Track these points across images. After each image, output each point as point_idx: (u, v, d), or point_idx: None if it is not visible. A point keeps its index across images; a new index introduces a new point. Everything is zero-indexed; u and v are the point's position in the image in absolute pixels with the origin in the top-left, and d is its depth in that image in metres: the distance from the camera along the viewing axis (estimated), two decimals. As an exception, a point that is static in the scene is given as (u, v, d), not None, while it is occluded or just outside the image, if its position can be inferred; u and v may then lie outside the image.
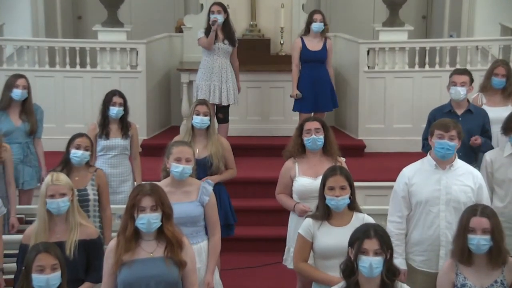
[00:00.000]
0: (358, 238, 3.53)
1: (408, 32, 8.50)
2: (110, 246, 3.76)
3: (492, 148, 5.72)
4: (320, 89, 7.38)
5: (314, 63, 7.36)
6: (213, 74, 7.36)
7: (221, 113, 7.49)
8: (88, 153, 5.09)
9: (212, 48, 7.30)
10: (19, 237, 4.41)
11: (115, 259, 3.68)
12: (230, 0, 8.46)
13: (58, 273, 3.59)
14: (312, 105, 7.40)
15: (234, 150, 5.69)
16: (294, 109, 7.54)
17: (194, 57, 8.19)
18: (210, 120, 5.43)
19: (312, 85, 7.37)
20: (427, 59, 8.49)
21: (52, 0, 9.80)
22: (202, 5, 8.94)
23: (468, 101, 5.94)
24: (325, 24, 7.35)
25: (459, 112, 5.86)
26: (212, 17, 7.23)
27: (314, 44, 7.34)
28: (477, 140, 5.75)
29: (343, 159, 5.00)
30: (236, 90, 7.48)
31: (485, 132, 5.87)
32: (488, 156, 5.18)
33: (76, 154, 5.03)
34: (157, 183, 4.00)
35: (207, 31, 7.29)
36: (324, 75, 7.43)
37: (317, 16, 7.31)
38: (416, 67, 8.35)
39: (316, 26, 7.28)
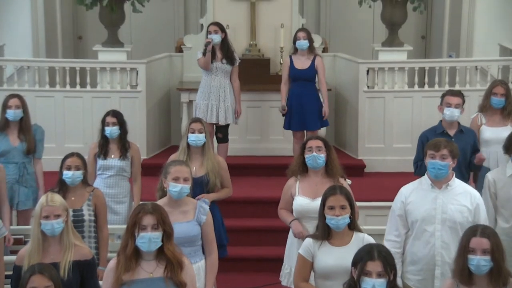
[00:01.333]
0: (361, 259, 3.51)
1: (408, 52, 8.52)
2: (110, 265, 3.74)
3: (484, 167, 5.73)
4: (307, 107, 7.41)
5: (301, 81, 7.40)
6: (211, 93, 7.37)
7: (221, 132, 7.49)
8: (79, 172, 5.06)
9: (210, 67, 7.31)
10: (13, 258, 4.37)
11: (115, 278, 3.65)
12: (230, 19, 8.53)
13: None
14: (299, 123, 7.44)
15: (233, 169, 5.69)
16: (284, 127, 7.60)
17: (194, 77, 8.19)
18: (205, 137, 5.42)
19: (299, 103, 7.41)
20: (426, 79, 8.49)
21: (53, 20, 9.84)
22: (202, 25, 8.95)
23: (458, 121, 5.94)
24: (310, 42, 7.37)
25: (451, 132, 5.86)
26: (208, 37, 7.25)
27: (301, 62, 7.39)
28: (481, 156, 5.74)
29: (349, 181, 4.99)
30: (233, 110, 7.46)
31: (476, 151, 5.88)
32: (490, 176, 5.14)
33: (67, 175, 5.03)
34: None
35: (205, 52, 7.31)
36: (311, 93, 7.46)
37: (300, 34, 7.37)
38: (416, 87, 8.35)
39: (300, 44, 7.32)
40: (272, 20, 8.74)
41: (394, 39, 8.53)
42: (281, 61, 8.58)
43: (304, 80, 7.39)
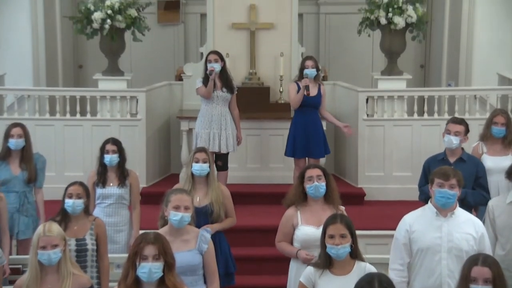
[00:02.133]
0: None
1: (407, 81, 8.56)
2: None
3: (484, 197, 5.69)
4: (312, 135, 7.43)
5: (307, 108, 7.42)
6: (212, 122, 7.39)
7: (221, 160, 7.49)
8: (81, 201, 5.04)
9: (211, 96, 7.33)
10: (10, 288, 4.35)
11: None
12: (230, 48, 8.58)
13: None
14: (304, 151, 7.43)
15: (233, 197, 5.66)
16: (287, 154, 7.59)
17: (194, 105, 8.21)
18: (209, 167, 5.41)
19: (304, 130, 7.43)
20: (425, 108, 8.50)
21: (54, 49, 9.88)
22: (201, 53, 8.98)
23: (462, 149, 5.93)
24: (317, 70, 7.41)
25: (452, 160, 5.84)
26: (209, 66, 7.29)
27: (309, 90, 7.39)
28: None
29: (342, 208, 4.97)
30: (235, 138, 7.48)
31: (478, 179, 5.82)
32: (490, 203, 5.11)
33: (68, 203, 5.01)
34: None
35: (205, 80, 7.33)
36: (316, 120, 7.49)
37: (309, 63, 7.40)
38: (415, 115, 8.36)
39: (309, 71, 7.34)
40: (271, 48, 8.79)
41: (393, 67, 8.58)
42: (281, 89, 8.62)
43: (310, 107, 7.42)
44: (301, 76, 7.42)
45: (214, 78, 7.27)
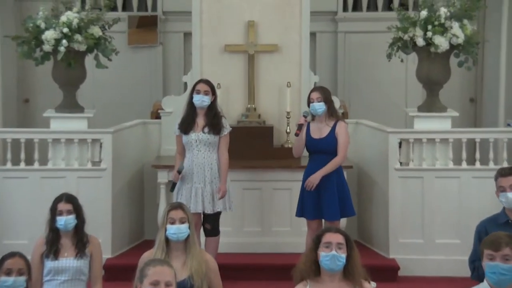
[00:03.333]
0: None
1: (452, 119, 8.56)
2: None
3: None
4: (323, 190, 7.37)
5: (318, 155, 7.40)
6: (194, 174, 7.38)
7: (209, 223, 7.46)
8: (22, 278, 4.97)
9: (190, 142, 7.38)
10: None
11: None
12: (222, 76, 8.66)
13: None
14: (315, 210, 7.40)
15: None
16: (297, 214, 7.57)
17: (175, 150, 8.19)
18: (189, 228, 5.42)
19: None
20: (477, 154, 8.49)
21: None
22: (185, 83, 9.03)
23: None
24: (329, 103, 7.40)
25: (518, 222, 5.83)
26: (197, 99, 7.31)
27: (318, 130, 7.39)
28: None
29: (373, 285, 4.93)
30: (230, 193, 7.46)
31: None
32: None
33: (7, 283, 4.94)
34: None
35: (185, 123, 7.39)
36: (331, 171, 7.42)
37: (314, 95, 7.39)
38: (464, 165, 8.37)
39: (314, 108, 7.35)
40: (276, 77, 8.85)
41: (434, 102, 8.58)
42: (288, 129, 8.63)
43: (321, 154, 7.38)
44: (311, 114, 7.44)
45: (192, 116, 7.39)
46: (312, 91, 7.54)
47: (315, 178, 7.29)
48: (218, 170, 7.42)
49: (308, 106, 7.42)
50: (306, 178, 7.39)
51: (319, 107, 7.35)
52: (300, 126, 7.33)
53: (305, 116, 7.36)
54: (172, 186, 7.48)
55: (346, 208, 7.48)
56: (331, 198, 7.38)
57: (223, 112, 7.62)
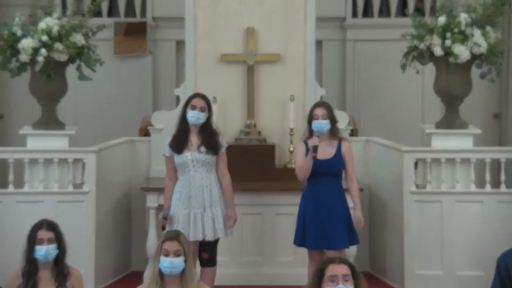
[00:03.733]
0: None
1: (474, 137, 8.54)
2: None
3: None
4: (328, 216, 7.37)
5: (322, 177, 7.39)
6: (191, 197, 7.32)
7: (207, 251, 7.43)
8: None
9: (186, 163, 7.30)
10: None
11: None
12: (218, 89, 8.67)
13: None
14: (318, 239, 7.38)
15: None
16: (296, 243, 7.56)
17: (165, 171, 8.11)
18: (185, 262, 5.41)
19: (317, 208, 7.38)
20: (502, 176, 8.46)
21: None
22: (178, 97, 9.02)
23: None
24: (333, 121, 7.42)
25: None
26: (191, 116, 7.25)
27: (322, 150, 7.36)
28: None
29: None
30: (225, 218, 7.38)
31: None
32: None
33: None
34: None
35: (177, 141, 7.31)
36: (337, 194, 7.44)
37: (318, 111, 7.39)
38: (487, 187, 8.34)
39: (318, 125, 7.32)
40: (278, 90, 8.87)
41: (454, 118, 8.55)
42: (291, 148, 8.63)
43: (326, 175, 7.37)
44: (311, 131, 7.41)
45: (186, 134, 7.33)
46: (315, 106, 7.53)
47: (360, 215, 7.39)
48: (218, 192, 7.38)
49: (309, 123, 7.39)
50: (307, 202, 7.42)
51: (325, 125, 7.36)
52: (316, 148, 7.25)
53: (317, 136, 7.29)
54: (162, 228, 7.44)
55: (353, 235, 7.49)
56: (338, 225, 7.37)
57: (218, 128, 7.57)
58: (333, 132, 7.47)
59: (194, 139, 7.37)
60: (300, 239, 7.47)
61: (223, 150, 7.43)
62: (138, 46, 11.16)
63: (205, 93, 7.55)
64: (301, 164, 7.38)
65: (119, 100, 10.93)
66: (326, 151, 7.38)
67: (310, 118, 7.43)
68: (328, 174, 7.39)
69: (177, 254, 5.39)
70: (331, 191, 7.42)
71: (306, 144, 7.39)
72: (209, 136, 7.38)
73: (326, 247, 7.37)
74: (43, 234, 5.92)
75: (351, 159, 7.48)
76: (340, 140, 7.50)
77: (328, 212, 7.36)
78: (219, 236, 7.40)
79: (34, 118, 8.69)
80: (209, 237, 7.31)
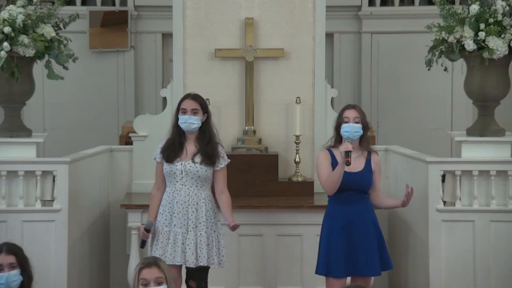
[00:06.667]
0: None
1: (512, 146, 8.56)
2: None
3: None
4: (359, 239, 7.36)
5: (350, 193, 7.36)
6: (174, 214, 7.30)
7: (194, 279, 7.41)
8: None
9: (173, 173, 7.30)
10: None
11: None
12: (211, 90, 8.72)
13: None
14: (347, 265, 7.34)
15: None
16: (318, 271, 7.48)
17: (150, 185, 8.12)
18: (167, 291, 5.46)
19: (346, 229, 7.35)
20: (546, 191, 8.45)
21: None
22: (164, 99, 9.00)
23: None
24: (365, 128, 7.39)
25: None
26: (183, 121, 7.26)
27: (351, 161, 7.30)
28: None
29: None
30: (219, 244, 7.38)
31: None
32: None
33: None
34: None
35: (169, 148, 7.32)
36: (367, 213, 7.43)
37: (350, 113, 7.36)
38: (528, 204, 8.32)
39: (349, 128, 7.29)
40: (281, 91, 8.97)
41: (489, 123, 8.54)
42: (297, 159, 8.63)
43: (354, 191, 7.35)
44: (338, 138, 7.37)
45: (180, 142, 7.32)
46: (346, 108, 7.47)
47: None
48: (206, 213, 7.33)
49: (338, 127, 7.35)
50: (331, 223, 7.37)
51: (358, 129, 7.31)
52: (349, 153, 7.17)
53: (350, 142, 7.24)
54: (141, 242, 7.39)
55: (386, 260, 7.49)
56: (370, 249, 7.37)
57: (219, 138, 7.51)
58: (365, 141, 7.44)
59: (190, 147, 7.34)
60: (325, 267, 7.40)
61: (222, 165, 7.39)
62: (118, 40, 11.20)
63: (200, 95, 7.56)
64: (327, 176, 7.32)
65: (96, 102, 10.96)
66: (355, 163, 7.32)
67: (339, 122, 7.38)
68: (356, 189, 7.36)
69: (158, 283, 5.45)
70: (361, 210, 7.40)
71: (331, 152, 7.37)
72: (207, 143, 7.35)
73: (357, 273, 7.35)
74: (3, 259, 5.97)
75: (379, 176, 7.49)
76: (370, 151, 7.49)
77: (359, 235, 7.34)
78: (201, 265, 7.32)
79: (-5, 124, 8.71)
80: (191, 264, 7.26)
